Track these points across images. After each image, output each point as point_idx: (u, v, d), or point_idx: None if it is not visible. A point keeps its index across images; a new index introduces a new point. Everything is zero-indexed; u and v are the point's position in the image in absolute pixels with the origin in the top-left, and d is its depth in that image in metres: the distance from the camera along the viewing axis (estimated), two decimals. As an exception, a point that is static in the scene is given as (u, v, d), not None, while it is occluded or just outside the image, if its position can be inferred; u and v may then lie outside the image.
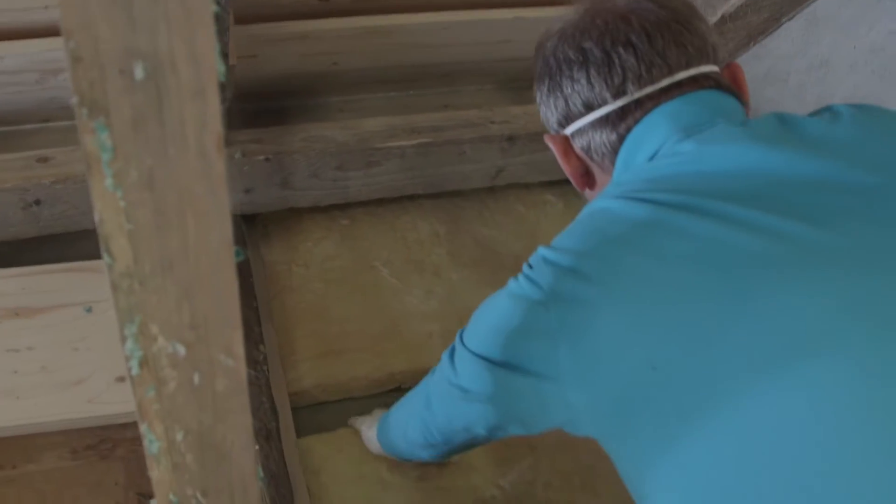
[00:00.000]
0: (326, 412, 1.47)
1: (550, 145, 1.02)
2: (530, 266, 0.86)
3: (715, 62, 0.94)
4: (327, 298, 1.61)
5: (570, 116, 0.96)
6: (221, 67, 0.44)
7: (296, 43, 1.52)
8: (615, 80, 0.91)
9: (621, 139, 0.93)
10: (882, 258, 0.74)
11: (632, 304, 0.78)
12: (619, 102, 0.91)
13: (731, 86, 0.93)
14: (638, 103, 0.91)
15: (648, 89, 0.90)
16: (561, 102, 0.96)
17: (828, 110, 0.89)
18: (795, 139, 0.84)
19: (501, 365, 0.88)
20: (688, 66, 0.90)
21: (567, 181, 1.92)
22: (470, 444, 1.07)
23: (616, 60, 0.90)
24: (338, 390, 1.48)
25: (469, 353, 0.94)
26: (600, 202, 0.87)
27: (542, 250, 0.85)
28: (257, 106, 1.75)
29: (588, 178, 1.02)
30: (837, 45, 1.52)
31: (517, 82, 2.05)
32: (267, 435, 1.30)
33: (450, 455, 1.16)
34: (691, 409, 0.74)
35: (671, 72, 0.90)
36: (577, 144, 0.98)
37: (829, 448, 0.69)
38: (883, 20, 1.45)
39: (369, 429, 1.34)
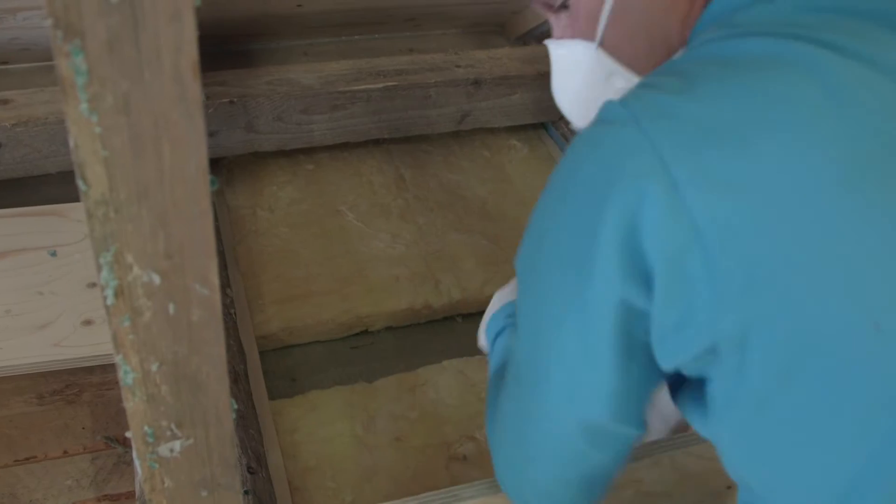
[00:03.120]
0: (293, 355, 1.48)
1: None
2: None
3: None
4: (293, 242, 1.60)
5: None
6: (197, -9, 0.44)
7: (260, -17, 1.51)
8: None
9: None
10: None
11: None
12: None
13: None
14: None
15: None
16: None
17: None
18: None
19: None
20: None
21: (533, 126, 1.93)
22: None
23: None
24: (304, 333, 1.48)
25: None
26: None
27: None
28: (221, 48, 1.73)
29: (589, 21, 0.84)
30: None
31: (481, 27, 2.04)
32: (235, 378, 1.31)
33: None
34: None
35: None
36: None
37: None
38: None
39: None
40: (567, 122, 1.89)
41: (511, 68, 1.79)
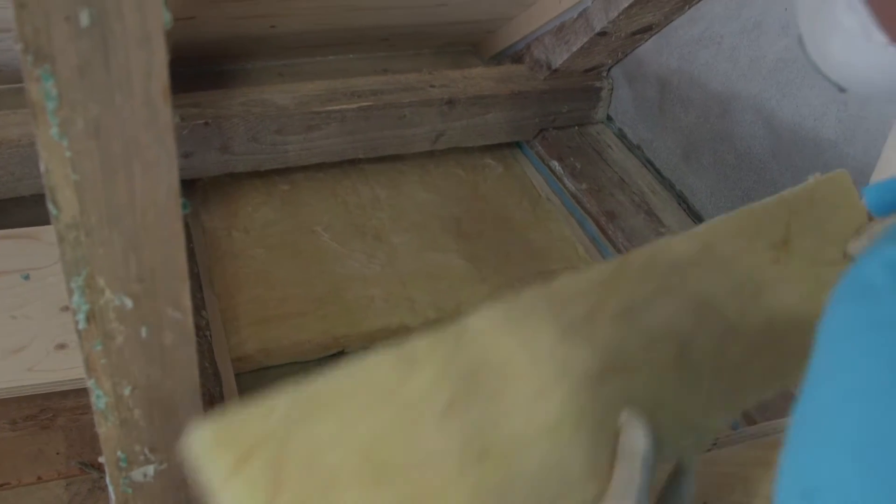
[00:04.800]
0: (269, 377, 1.47)
1: None
2: None
3: None
4: (268, 263, 1.60)
5: None
6: (167, 16, 0.44)
7: (233, 5, 1.51)
8: None
9: None
10: None
11: None
12: None
13: None
14: None
15: None
16: None
17: None
18: None
19: None
20: None
21: (507, 145, 1.94)
22: None
23: None
24: (280, 355, 1.48)
25: None
26: None
27: None
28: (196, 70, 1.73)
29: None
30: (769, 8, 1.54)
31: (455, 46, 2.05)
32: (210, 400, 1.30)
33: None
34: None
35: None
36: None
37: None
38: (815, -17, 1.47)
39: None
40: (540, 142, 1.90)
41: (485, 88, 1.79)
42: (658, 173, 1.84)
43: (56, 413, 1.44)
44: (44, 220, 1.46)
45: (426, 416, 0.55)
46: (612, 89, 1.93)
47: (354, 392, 0.54)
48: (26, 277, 1.39)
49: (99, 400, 0.57)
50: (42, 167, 0.44)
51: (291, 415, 0.51)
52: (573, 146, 1.89)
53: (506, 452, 0.57)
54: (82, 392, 1.36)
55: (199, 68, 1.72)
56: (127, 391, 0.58)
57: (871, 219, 0.76)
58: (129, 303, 0.52)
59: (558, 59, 1.78)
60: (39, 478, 1.37)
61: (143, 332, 0.54)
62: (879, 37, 0.55)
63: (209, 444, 0.48)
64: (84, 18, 0.41)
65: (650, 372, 0.65)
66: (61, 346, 1.31)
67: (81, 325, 0.52)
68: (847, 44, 0.58)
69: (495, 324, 0.60)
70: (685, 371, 0.66)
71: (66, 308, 1.35)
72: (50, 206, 0.46)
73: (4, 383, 1.27)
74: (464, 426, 0.56)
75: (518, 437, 0.58)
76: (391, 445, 0.53)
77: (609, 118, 1.98)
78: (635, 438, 0.61)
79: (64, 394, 1.40)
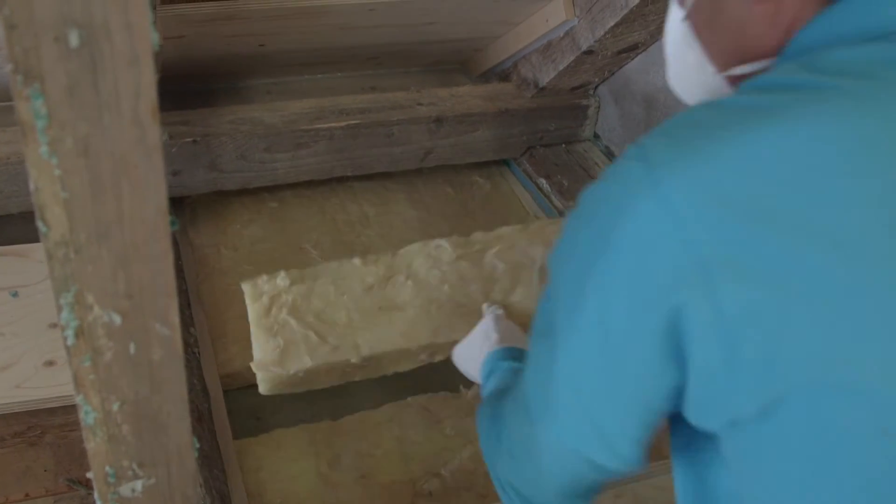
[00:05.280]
0: (257, 394, 1.47)
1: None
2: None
3: None
4: (257, 281, 1.60)
5: None
6: (155, 37, 0.45)
7: (222, 24, 1.52)
8: None
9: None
10: None
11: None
12: None
13: None
14: None
15: None
16: None
17: None
18: None
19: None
20: None
21: (495, 162, 1.95)
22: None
23: None
24: (269, 372, 1.48)
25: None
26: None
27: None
28: (184, 88, 1.74)
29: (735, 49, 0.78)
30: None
31: (443, 65, 2.06)
32: (199, 417, 1.30)
33: None
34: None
35: None
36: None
37: None
38: None
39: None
40: (528, 160, 1.91)
41: (473, 106, 1.80)
42: (645, 190, 1.84)
43: (44, 430, 1.44)
44: (33, 237, 1.46)
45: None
46: (598, 107, 1.94)
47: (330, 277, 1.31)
48: (15, 294, 1.39)
49: (87, 416, 0.58)
50: (31, 185, 0.45)
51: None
52: (560, 164, 1.90)
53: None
54: (70, 409, 1.36)
55: (188, 86, 1.73)
56: (115, 407, 0.58)
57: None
58: (117, 319, 0.53)
59: (545, 78, 1.79)
60: (27, 495, 1.37)
61: (132, 347, 0.55)
62: (710, 68, 0.80)
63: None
64: (73, 39, 0.42)
65: None
66: (50, 363, 1.32)
67: (70, 342, 0.53)
68: (689, 71, 0.83)
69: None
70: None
71: (55, 325, 1.35)
72: (39, 224, 0.47)
73: (-8, 400, 1.27)
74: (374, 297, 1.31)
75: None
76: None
77: (596, 136, 1.99)
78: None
79: (52, 411, 1.39)
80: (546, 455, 0.79)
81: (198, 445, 0.63)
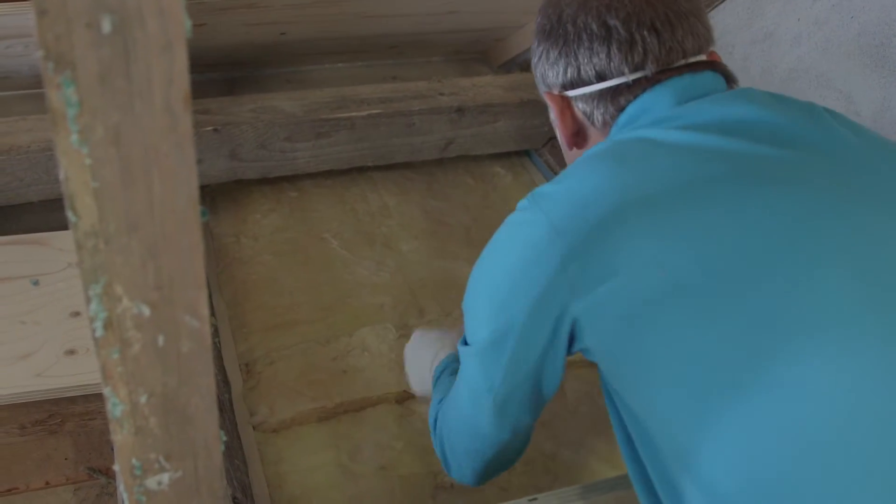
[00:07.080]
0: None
1: (549, 103, 1.05)
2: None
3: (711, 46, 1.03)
4: (277, 270, 1.60)
5: (579, 83, 1.00)
6: (188, 23, 0.44)
7: (243, 12, 1.51)
8: (635, 59, 0.96)
9: (624, 106, 0.98)
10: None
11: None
12: (635, 76, 0.96)
13: (724, 68, 1.01)
14: (650, 78, 0.96)
15: (664, 68, 0.96)
16: (572, 69, 1.00)
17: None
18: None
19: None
20: (698, 52, 0.98)
21: (516, 153, 1.94)
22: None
23: (639, 42, 0.95)
24: (289, 362, 1.48)
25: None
26: (601, 146, 0.93)
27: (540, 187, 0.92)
28: (205, 76, 1.73)
29: (579, 138, 1.06)
30: (781, 18, 1.54)
31: (464, 54, 2.05)
32: (220, 407, 1.29)
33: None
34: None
35: (685, 56, 0.97)
36: (579, 107, 1.02)
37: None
38: (826, -8, 1.47)
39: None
40: (549, 150, 1.90)
41: (494, 96, 1.79)
42: (667, 182, 1.83)
43: (64, 418, 1.44)
44: (53, 225, 1.47)
45: None
46: (621, 97, 1.92)
47: None
48: (35, 283, 1.39)
49: (115, 408, 0.57)
50: (61, 174, 0.44)
51: None
52: (582, 154, 1.88)
53: None
54: (91, 397, 1.36)
55: (208, 75, 1.73)
56: (143, 399, 0.57)
57: None
58: (146, 311, 0.52)
59: (568, 68, 1.77)
60: (48, 483, 1.37)
61: (160, 339, 0.54)
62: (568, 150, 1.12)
63: None
64: (106, 25, 0.41)
65: None
66: (70, 352, 1.31)
67: (99, 333, 0.52)
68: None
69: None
70: None
71: (76, 314, 1.35)
72: (69, 214, 0.46)
73: (13, 389, 1.27)
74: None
75: None
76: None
77: (618, 126, 1.97)
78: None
79: (72, 399, 1.39)
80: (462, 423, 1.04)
81: (224, 439, 0.62)
